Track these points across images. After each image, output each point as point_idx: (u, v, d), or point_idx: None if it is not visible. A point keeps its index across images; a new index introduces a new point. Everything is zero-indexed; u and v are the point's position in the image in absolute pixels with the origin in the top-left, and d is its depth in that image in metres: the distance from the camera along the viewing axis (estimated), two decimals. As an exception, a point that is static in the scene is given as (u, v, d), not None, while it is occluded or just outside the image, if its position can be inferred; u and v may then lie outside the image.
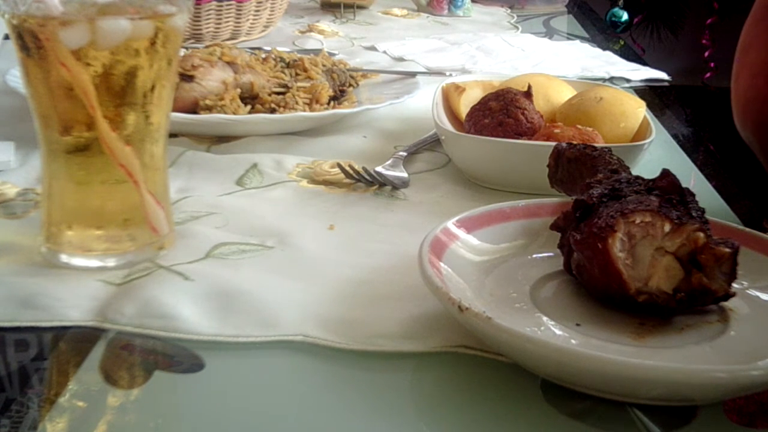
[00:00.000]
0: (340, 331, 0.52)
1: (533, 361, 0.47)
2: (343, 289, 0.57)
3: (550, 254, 0.59)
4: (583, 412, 0.46)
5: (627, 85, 1.17)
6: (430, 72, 1.14)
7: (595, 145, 0.65)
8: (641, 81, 1.20)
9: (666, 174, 0.54)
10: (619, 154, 0.63)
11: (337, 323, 0.53)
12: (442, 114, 0.85)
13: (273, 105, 0.89)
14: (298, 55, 1.01)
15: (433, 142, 0.86)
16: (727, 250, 0.50)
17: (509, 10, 1.73)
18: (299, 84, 0.93)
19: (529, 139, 0.77)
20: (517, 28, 1.57)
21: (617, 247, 0.51)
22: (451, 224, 0.58)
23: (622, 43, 1.57)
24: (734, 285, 0.51)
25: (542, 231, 0.59)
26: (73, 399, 0.46)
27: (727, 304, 0.53)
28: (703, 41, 2.25)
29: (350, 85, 1.01)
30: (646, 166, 0.73)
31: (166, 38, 0.57)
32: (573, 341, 0.50)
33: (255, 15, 1.30)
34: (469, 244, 0.58)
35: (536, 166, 0.68)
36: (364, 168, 0.76)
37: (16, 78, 0.87)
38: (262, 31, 1.35)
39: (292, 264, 0.60)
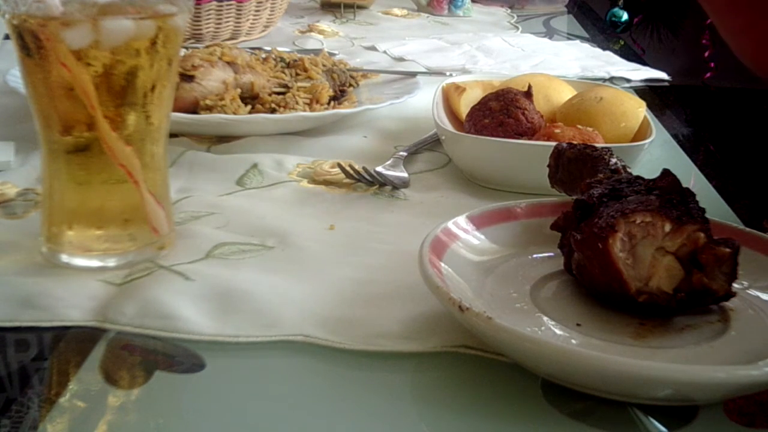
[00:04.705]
0: (340, 331, 0.52)
1: (533, 361, 0.47)
2: (343, 288, 0.57)
3: (550, 254, 0.59)
4: (584, 412, 0.46)
5: (627, 85, 1.17)
6: (430, 72, 1.14)
7: (595, 145, 0.65)
8: (641, 81, 1.20)
9: (666, 174, 0.54)
10: (619, 154, 0.63)
11: (337, 323, 0.53)
12: (442, 114, 0.85)
13: (273, 105, 0.89)
14: (298, 55, 1.01)
15: (433, 142, 0.86)
16: (728, 250, 0.50)
17: (509, 10, 1.73)
18: (299, 84, 0.93)
19: (530, 139, 0.77)
20: (517, 28, 1.57)
21: (618, 247, 0.51)
22: (451, 224, 0.58)
23: (622, 43, 1.57)
24: (735, 285, 0.51)
25: (542, 231, 0.59)
26: (74, 399, 0.46)
27: (728, 304, 0.53)
28: (703, 41, 2.25)
29: (350, 85, 1.01)
30: (646, 166, 0.73)
31: (166, 38, 0.57)
32: (573, 341, 0.50)
33: (255, 15, 1.30)
34: (470, 244, 0.58)
35: (536, 166, 0.68)
36: (364, 168, 0.76)
37: (16, 78, 0.87)
38: (262, 31, 1.36)
39: (292, 264, 0.60)
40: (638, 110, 0.82)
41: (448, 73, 1.11)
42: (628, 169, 0.61)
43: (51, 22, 0.53)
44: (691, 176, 0.83)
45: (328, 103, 0.93)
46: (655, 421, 0.45)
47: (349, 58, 1.14)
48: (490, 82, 0.92)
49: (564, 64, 1.23)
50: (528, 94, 0.81)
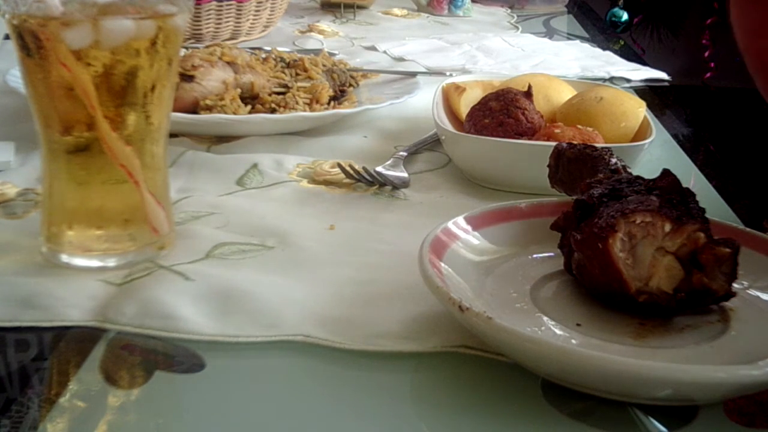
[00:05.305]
0: (340, 331, 0.52)
1: (534, 361, 0.47)
2: (343, 288, 0.57)
3: (550, 254, 0.59)
4: (584, 412, 0.46)
5: (627, 85, 1.17)
6: (430, 72, 1.14)
7: (595, 145, 0.65)
8: (641, 81, 1.20)
9: (666, 174, 0.54)
10: (619, 154, 0.63)
11: (337, 323, 0.53)
12: (443, 114, 0.85)
13: (273, 105, 0.89)
14: (298, 55, 1.01)
15: (433, 142, 0.86)
16: (728, 250, 0.50)
17: (509, 10, 1.73)
18: (299, 84, 0.93)
19: (530, 139, 0.77)
20: (517, 28, 1.57)
21: (618, 247, 0.51)
22: (451, 224, 0.58)
23: (622, 43, 1.57)
24: (734, 285, 0.51)
25: (542, 231, 0.59)
26: (74, 399, 0.46)
27: (728, 304, 0.53)
28: (703, 41, 2.25)
29: (350, 85, 1.01)
30: (646, 166, 0.73)
31: (166, 38, 0.57)
32: (573, 341, 0.50)
33: (255, 15, 1.30)
34: (470, 244, 0.58)
35: (536, 166, 0.68)
36: (364, 168, 0.76)
37: (16, 78, 0.87)
38: (262, 31, 1.36)
39: (292, 264, 0.60)
40: (638, 110, 0.82)
41: (448, 73, 1.11)
42: (628, 169, 0.61)
43: (51, 22, 0.53)
44: (691, 176, 0.83)
45: (328, 103, 0.93)
46: (655, 421, 0.45)
47: (349, 58, 1.14)
48: (490, 82, 0.92)
49: (564, 64, 1.23)
50: (528, 94, 0.81)
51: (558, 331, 0.50)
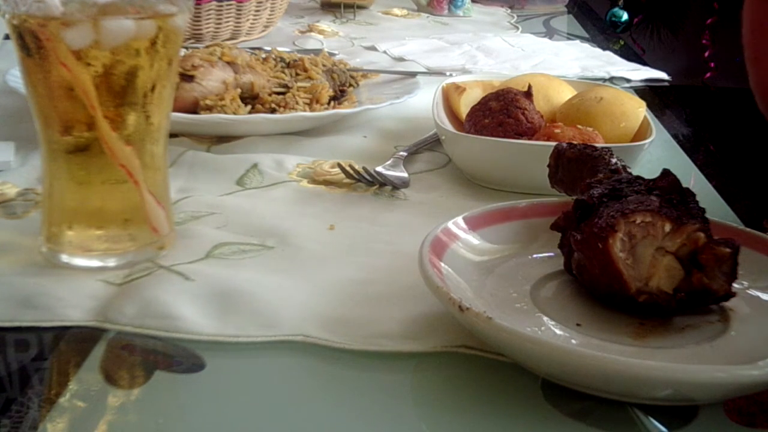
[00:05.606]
0: (340, 331, 0.52)
1: (534, 361, 0.47)
2: (343, 289, 0.57)
3: (551, 254, 0.59)
4: (584, 412, 0.46)
5: (627, 85, 1.17)
6: (430, 72, 1.14)
7: (595, 145, 0.65)
8: (641, 81, 1.20)
9: (666, 174, 0.54)
10: (619, 154, 0.63)
11: (337, 323, 0.53)
12: (442, 114, 0.85)
13: (273, 105, 0.89)
14: (298, 55, 1.01)
15: (433, 142, 0.86)
16: (728, 250, 0.50)
17: (509, 10, 1.73)
18: (299, 84, 0.93)
19: (530, 139, 0.77)
20: (517, 28, 1.57)
21: (618, 247, 0.51)
22: (451, 224, 0.58)
23: (622, 43, 1.57)
24: (735, 285, 0.51)
25: (542, 231, 0.59)
26: (74, 399, 0.46)
27: (728, 304, 0.53)
28: (703, 41, 2.25)
29: (350, 85, 1.01)
30: (646, 166, 0.73)
31: (166, 38, 0.57)
32: (573, 341, 0.50)
33: (255, 15, 1.30)
34: (470, 244, 0.58)
35: (536, 166, 0.68)
36: (364, 168, 0.76)
37: (16, 78, 0.87)
38: (262, 31, 1.36)
39: (292, 264, 0.60)
40: (638, 110, 0.82)
41: (448, 73, 1.11)
42: (628, 169, 0.61)
43: (51, 22, 0.53)
44: (691, 176, 0.83)
45: (328, 103, 0.93)
46: (655, 421, 0.45)
47: (349, 58, 1.14)
48: (490, 82, 0.92)
49: (564, 64, 1.23)
50: (528, 94, 0.81)
51: (558, 331, 0.50)
